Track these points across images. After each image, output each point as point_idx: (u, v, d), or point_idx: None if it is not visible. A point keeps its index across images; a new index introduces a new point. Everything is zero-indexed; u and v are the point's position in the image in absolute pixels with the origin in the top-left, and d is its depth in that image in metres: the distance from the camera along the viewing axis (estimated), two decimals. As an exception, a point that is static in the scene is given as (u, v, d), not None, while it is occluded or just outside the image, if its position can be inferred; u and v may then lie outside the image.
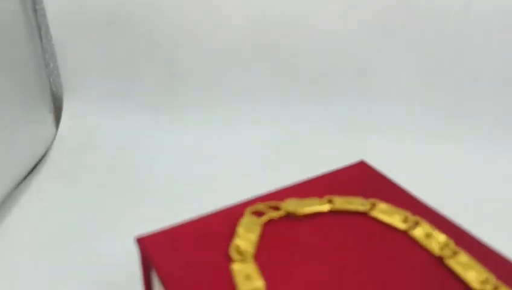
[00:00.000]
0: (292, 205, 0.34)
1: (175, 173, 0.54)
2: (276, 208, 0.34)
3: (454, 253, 0.30)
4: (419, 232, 0.32)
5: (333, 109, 0.59)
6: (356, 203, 0.35)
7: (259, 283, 0.28)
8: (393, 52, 0.56)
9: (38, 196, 0.52)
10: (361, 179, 0.39)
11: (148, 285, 0.35)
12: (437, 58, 0.56)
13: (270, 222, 0.33)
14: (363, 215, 0.34)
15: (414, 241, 0.32)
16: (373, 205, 0.35)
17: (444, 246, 0.31)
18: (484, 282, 0.28)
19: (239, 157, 0.56)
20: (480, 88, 0.56)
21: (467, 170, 0.53)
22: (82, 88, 0.64)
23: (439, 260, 0.30)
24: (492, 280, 0.28)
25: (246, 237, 0.31)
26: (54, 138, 0.62)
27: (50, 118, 0.63)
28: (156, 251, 0.31)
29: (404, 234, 0.32)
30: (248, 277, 0.28)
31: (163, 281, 0.29)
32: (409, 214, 0.34)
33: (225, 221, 0.33)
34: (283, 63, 0.58)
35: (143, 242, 0.32)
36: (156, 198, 0.50)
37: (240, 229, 0.32)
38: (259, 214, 0.34)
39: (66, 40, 0.61)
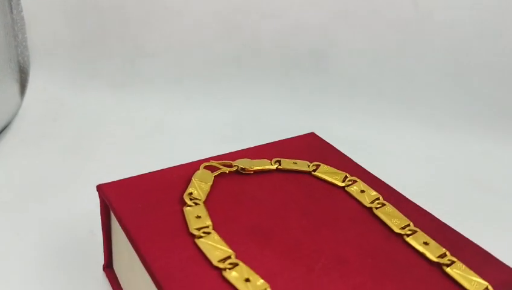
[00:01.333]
0: (243, 163, 0.37)
1: (136, 144, 0.56)
2: (229, 165, 0.37)
3: (382, 205, 0.34)
4: (355, 188, 0.36)
5: (292, 90, 0.63)
6: (302, 165, 0.39)
7: (208, 222, 0.31)
8: (349, 38, 0.61)
9: (0, 161, 0.53)
10: (310, 147, 0.42)
11: (107, 233, 0.37)
12: (389, 46, 0.61)
13: (222, 175, 0.36)
14: (307, 174, 0.38)
15: (350, 196, 0.36)
16: (317, 167, 0.38)
17: (374, 199, 0.35)
18: (404, 227, 0.32)
19: (199, 132, 0.58)
20: (426, 75, 0.62)
21: (407, 148, 0.58)
22: (49, 61, 0.65)
23: (370, 211, 0.34)
24: (412, 226, 0.32)
25: (199, 186, 0.34)
26: (19, 109, 0.63)
27: (16, 89, 0.63)
28: (115, 195, 0.33)
29: (342, 189, 0.36)
30: (198, 217, 0.31)
31: (120, 221, 0.31)
32: (347, 175, 0.38)
33: (181, 174, 0.36)
34: (245, 44, 0.62)
35: (103, 189, 0.34)
36: (116, 166, 0.52)
37: (194, 180, 0.35)
38: (213, 169, 0.37)
39: (36, 12, 0.63)
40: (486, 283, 0.28)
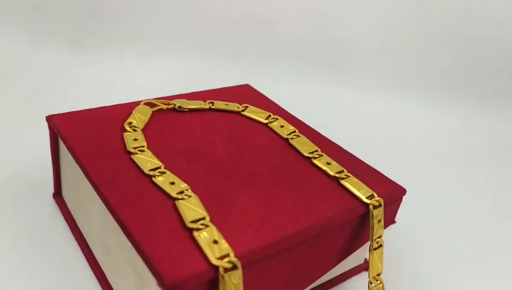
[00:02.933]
0: (180, 102, 0.42)
1: (87, 98, 0.60)
2: (167, 103, 0.42)
3: (297, 136, 0.40)
4: (275, 124, 0.42)
5: (235, 54, 0.68)
6: (232, 106, 0.44)
7: (143, 143, 0.36)
8: (288, 7, 0.67)
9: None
10: (243, 94, 0.48)
11: (56, 162, 0.41)
12: (324, 14, 0.67)
13: (160, 111, 0.41)
14: (236, 113, 0.43)
15: (271, 130, 0.41)
16: (245, 108, 0.44)
17: (291, 132, 0.41)
18: (313, 152, 0.38)
19: (149, 88, 0.63)
20: (357, 42, 0.68)
21: (338, 107, 0.65)
22: (5, 20, 0.68)
23: (286, 141, 0.40)
24: (319, 151, 0.38)
25: (138, 118, 0.39)
26: (-24, 66, 0.66)
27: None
28: (62, 124, 0.38)
29: (265, 125, 0.42)
30: (135, 140, 0.36)
31: (66, 143, 0.36)
32: (271, 114, 0.43)
33: (124, 109, 0.41)
34: (197, 9, 0.67)
35: (52, 118, 0.38)
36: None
37: (134, 112, 0.39)
38: (152, 105, 0.41)
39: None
40: (372, 191, 0.35)
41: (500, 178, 0.58)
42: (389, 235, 0.44)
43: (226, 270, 0.26)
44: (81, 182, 0.37)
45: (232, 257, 0.27)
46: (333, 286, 0.39)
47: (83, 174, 0.35)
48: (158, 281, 0.26)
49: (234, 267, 0.27)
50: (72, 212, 0.41)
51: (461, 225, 0.49)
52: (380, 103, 0.68)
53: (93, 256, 0.38)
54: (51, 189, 0.44)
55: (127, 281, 0.32)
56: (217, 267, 0.26)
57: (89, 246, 0.39)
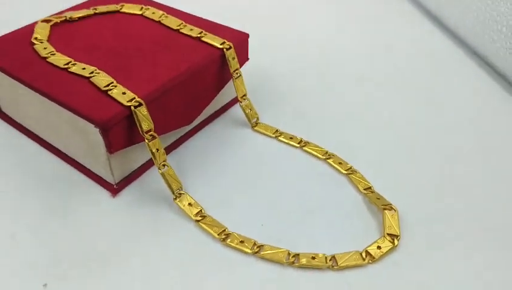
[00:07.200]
0: (69, 14, 0.53)
1: None
2: (60, 17, 0.53)
3: (166, 17, 0.54)
4: (148, 12, 0.55)
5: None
6: (112, 7, 0.56)
7: (52, 49, 0.48)
8: None
9: None
10: (122, 1, 0.59)
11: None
12: None
13: (56, 25, 0.52)
14: (117, 12, 0.55)
15: (145, 17, 0.54)
16: (122, 6, 0.56)
17: (161, 15, 0.54)
18: (178, 25, 0.52)
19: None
20: None
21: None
22: None
23: (159, 22, 0.53)
24: (184, 23, 0.52)
25: (41, 33, 0.50)
26: None
27: None
28: (-17, 52, 0.48)
29: (140, 15, 0.55)
30: (45, 48, 0.48)
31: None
32: (143, 6, 0.56)
33: (27, 30, 0.51)
34: None
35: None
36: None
37: (36, 29, 0.50)
38: (48, 22, 0.52)
39: None
40: (223, 40, 0.50)
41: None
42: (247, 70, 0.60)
43: (136, 107, 0.41)
44: (17, 93, 0.49)
45: (137, 98, 0.42)
46: (219, 115, 0.55)
47: (17, 85, 0.47)
48: (95, 125, 0.40)
49: (140, 104, 0.42)
50: (18, 121, 0.53)
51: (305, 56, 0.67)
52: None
53: (50, 143, 0.51)
54: (-10, 109, 0.55)
55: (75, 141, 0.46)
56: (129, 107, 0.41)
57: (42, 139, 0.51)
